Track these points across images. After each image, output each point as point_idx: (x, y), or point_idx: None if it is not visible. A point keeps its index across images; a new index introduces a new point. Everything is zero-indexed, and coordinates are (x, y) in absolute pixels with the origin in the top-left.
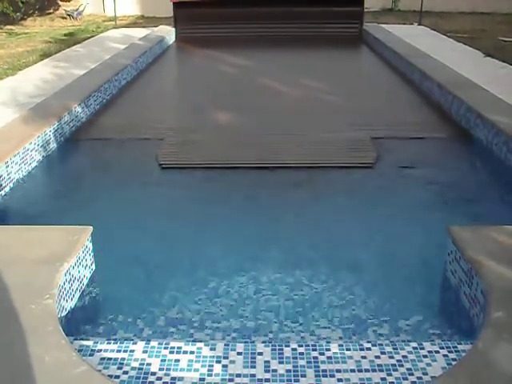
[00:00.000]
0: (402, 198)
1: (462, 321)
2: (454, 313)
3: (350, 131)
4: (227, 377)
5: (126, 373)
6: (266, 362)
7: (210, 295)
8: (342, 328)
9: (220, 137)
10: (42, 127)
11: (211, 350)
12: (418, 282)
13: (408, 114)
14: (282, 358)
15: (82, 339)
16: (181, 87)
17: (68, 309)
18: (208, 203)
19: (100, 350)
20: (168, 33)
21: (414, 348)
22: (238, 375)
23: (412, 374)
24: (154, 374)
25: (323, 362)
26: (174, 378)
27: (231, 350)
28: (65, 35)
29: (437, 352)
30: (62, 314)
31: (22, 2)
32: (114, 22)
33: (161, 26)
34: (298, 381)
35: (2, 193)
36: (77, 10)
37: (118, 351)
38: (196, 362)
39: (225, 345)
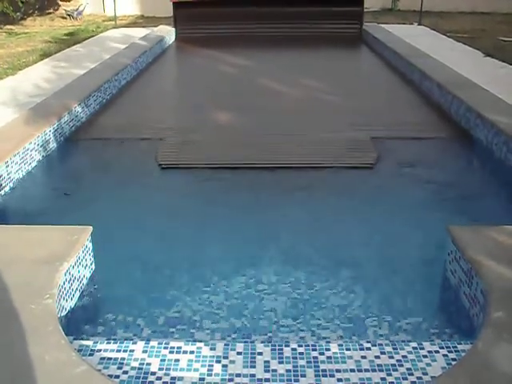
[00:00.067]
0: (403, 198)
1: (462, 321)
2: (454, 313)
3: (350, 131)
4: (227, 377)
5: (125, 372)
6: (265, 361)
7: (210, 295)
8: (341, 328)
9: (220, 137)
10: (42, 127)
11: (211, 349)
12: (418, 281)
13: (408, 114)
14: (282, 357)
15: (82, 339)
16: (180, 87)
17: (68, 309)
18: (208, 203)
19: (100, 350)
20: (168, 33)
21: (414, 348)
22: (238, 375)
23: (412, 374)
24: (153, 373)
25: (323, 362)
26: (173, 378)
27: (231, 349)
28: (65, 35)
29: (437, 352)
30: (62, 314)
31: (22, 2)
32: (113, 22)
33: (161, 26)
34: (297, 381)
35: (2, 192)
36: (77, 9)
37: (118, 351)
38: (196, 361)
39: (225, 345)
